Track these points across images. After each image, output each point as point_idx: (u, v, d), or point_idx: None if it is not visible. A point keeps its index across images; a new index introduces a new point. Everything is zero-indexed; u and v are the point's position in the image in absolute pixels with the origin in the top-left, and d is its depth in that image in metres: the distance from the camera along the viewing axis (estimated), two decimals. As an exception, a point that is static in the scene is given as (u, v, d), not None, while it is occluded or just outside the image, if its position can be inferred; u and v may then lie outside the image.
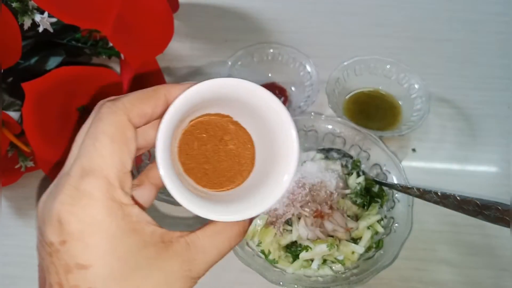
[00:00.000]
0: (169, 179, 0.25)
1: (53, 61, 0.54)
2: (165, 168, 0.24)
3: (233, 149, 0.30)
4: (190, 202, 0.25)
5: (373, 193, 0.52)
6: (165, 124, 0.25)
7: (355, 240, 0.49)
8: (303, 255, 0.47)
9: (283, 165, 0.28)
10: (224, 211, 0.26)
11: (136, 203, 0.25)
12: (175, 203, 0.25)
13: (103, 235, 0.23)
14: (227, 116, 0.30)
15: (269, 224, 0.49)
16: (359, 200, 0.51)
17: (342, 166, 0.54)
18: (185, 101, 0.26)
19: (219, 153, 0.30)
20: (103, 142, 0.23)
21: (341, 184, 0.51)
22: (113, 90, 0.52)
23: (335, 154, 0.55)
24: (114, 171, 0.23)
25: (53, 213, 0.23)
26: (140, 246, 0.23)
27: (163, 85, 0.26)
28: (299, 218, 0.49)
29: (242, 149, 0.30)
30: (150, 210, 0.29)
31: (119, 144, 0.24)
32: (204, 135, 0.30)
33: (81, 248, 0.23)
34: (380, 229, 0.49)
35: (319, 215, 0.49)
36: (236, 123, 0.30)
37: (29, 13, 0.49)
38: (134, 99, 0.25)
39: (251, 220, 0.28)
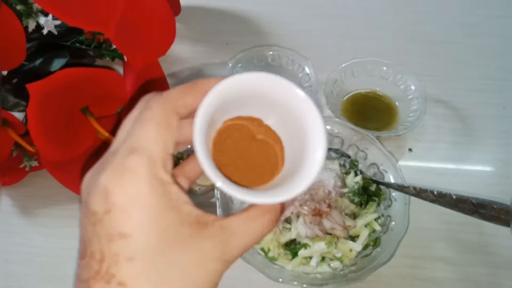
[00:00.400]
0: (206, 159, 0.26)
1: (58, 63, 0.55)
2: (201, 150, 0.26)
3: (263, 148, 0.31)
4: (227, 185, 0.26)
5: (370, 192, 0.53)
6: (202, 111, 0.27)
7: (353, 238, 0.50)
8: (302, 252, 0.48)
9: (313, 148, 0.29)
10: (262, 195, 0.28)
11: (176, 183, 0.26)
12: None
13: (144, 208, 0.24)
14: (258, 119, 0.32)
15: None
16: (356, 199, 0.52)
17: (340, 165, 0.54)
18: (218, 92, 0.27)
19: (250, 151, 0.31)
20: (150, 126, 0.26)
21: (339, 183, 0.52)
22: (116, 91, 0.53)
23: (333, 154, 0.56)
24: (158, 151, 0.25)
25: (99, 184, 0.24)
26: (178, 223, 0.25)
27: (203, 78, 0.28)
28: (298, 216, 0.49)
29: (272, 149, 0.32)
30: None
31: (164, 128, 0.26)
32: (237, 134, 0.31)
33: (124, 218, 0.24)
34: (377, 227, 0.50)
35: (317, 214, 0.49)
36: (266, 126, 0.32)
37: (34, 16, 0.49)
38: (178, 91, 0.27)
39: (282, 210, 0.29)
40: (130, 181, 0.24)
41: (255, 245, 0.28)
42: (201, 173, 0.30)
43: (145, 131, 0.26)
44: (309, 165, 0.29)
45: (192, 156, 0.30)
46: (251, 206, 0.28)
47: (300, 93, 0.29)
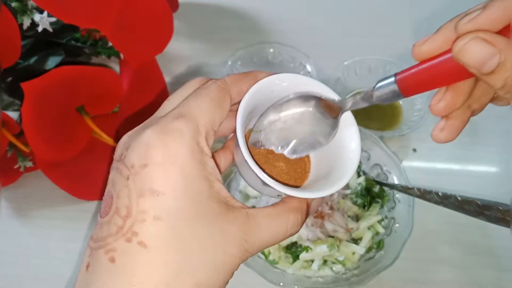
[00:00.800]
0: (246, 150, 0.27)
1: (53, 61, 0.54)
2: (242, 140, 0.27)
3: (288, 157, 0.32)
4: (266, 177, 0.27)
5: (373, 193, 0.52)
6: (245, 102, 0.28)
7: (355, 241, 0.49)
8: (303, 255, 0.47)
9: (345, 145, 0.30)
10: (301, 191, 0.28)
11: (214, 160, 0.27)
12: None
13: (182, 169, 0.24)
14: None
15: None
16: (359, 201, 0.51)
17: (342, 166, 0.53)
18: (258, 87, 0.29)
19: (274, 158, 0.31)
20: (204, 99, 0.27)
21: (341, 184, 0.51)
22: (113, 89, 0.52)
23: (335, 154, 0.55)
24: (205, 122, 0.26)
25: (142, 137, 0.25)
26: (208, 196, 0.25)
27: (255, 70, 0.30)
28: (300, 219, 0.48)
29: (297, 159, 0.32)
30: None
31: (217, 105, 0.27)
32: None
33: (160, 174, 0.24)
34: (380, 230, 0.49)
35: (319, 216, 0.49)
36: None
37: (29, 13, 0.49)
38: (234, 77, 0.29)
39: (308, 213, 0.29)
40: (174, 140, 0.24)
41: (277, 243, 0.28)
42: (230, 165, 0.32)
43: (199, 102, 0.26)
44: (342, 165, 0.29)
45: (224, 147, 0.31)
46: (278, 202, 0.28)
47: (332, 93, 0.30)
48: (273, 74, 0.29)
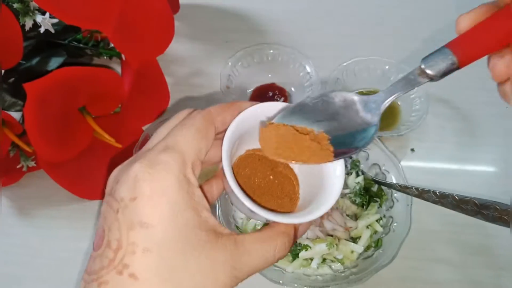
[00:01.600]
0: (232, 179, 0.28)
1: (55, 62, 0.54)
2: (228, 169, 0.28)
3: (280, 182, 0.33)
4: (255, 206, 0.27)
5: (372, 192, 0.52)
6: (230, 132, 0.29)
7: (354, 240, 0.49)
8: (303, 254, 0.48)
9: (329, 173, 0.30)
10: (286, 216, 0.28)
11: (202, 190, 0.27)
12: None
13: (169, 200, 0.25)
14: None
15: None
16: (358, 200, 0.51)
17: (341, 166, 0.54)
18: (247, 115, 0.30)
19: (268, 183, 0.32)
20: (189, 130, 0.28)
21: (340, 184, 0.51)
22: (114, 90, 0.52)
23: (334, 154, 0.55)
24: (191, 153, 0.27)
25: (130, 172, 0.25)
26: (196, 225, 0.25)
27: (239, 101, 0.31)
28: (299, 218, 0.49)
29: (288, 184, 0.33)
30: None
31: (202, 136, 0.28)
32: (256, 164, 0.33)
33: (149, 207, 0.24)
34: (379, 229, 0.50)
35: (318, 215, 0.49)
36: (283, 162, 0.32)
37: (31, 14, 0.49)
38: (218, 107, 0.30)
39: (296, 236, 0.29)
40: (161, 173, 0.25)
41: (267, 267, 0.28)
42: (222, 192, 0.32)
43: (184, 133, 0.27)
44: (326, 190, 0.30)
45: (216, 175, 0.32)
46: (265, 227, 0.28)
47: None
48: (256, 103, 0.30)
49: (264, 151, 0.29)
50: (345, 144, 0.29)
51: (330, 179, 0.30)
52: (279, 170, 0.33)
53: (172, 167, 0.25)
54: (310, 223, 0.30)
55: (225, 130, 0.29)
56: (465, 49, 0.26)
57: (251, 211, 0.28)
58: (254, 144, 0.32)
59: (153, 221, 0.24)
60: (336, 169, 0.30)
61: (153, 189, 0.25)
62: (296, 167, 0.33)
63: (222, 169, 0.28)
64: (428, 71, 0.27)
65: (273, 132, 0.29)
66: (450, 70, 0.27)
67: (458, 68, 0.26)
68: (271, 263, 0.28)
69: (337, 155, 0.29)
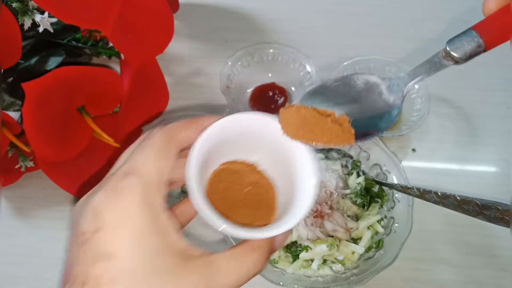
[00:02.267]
0: (199, 198, 0.27)
1: (53, 61, 0.54)
2: (196, 189, 0.27)
3: (257, 194, 0.32)
4: (216, 220, 0.27)
5: (373, 193, 0.52)
6: (196, 150, 0.28)
7: (355, 240, 0.49)
8: (303, 255, 0.47)
9: (302, 180, 0.29)
10: (252, 231, 0.28)
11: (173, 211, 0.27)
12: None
13: (132, 229, 0.24)
14: (252, 165, 0.33)
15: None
16: (359, 200, 0.51)
17: (342, 166, 0.54)
18: (213, 131, 0.29)
19: (244, 197, 0.31)
20: (148, 151, 0.27)
21: (341, 184, 0.51)
22: (113, 90, 0.52)
23: (335, 154, 0.55)
24: (154, 175, 0.26)
25: (91, 205, 0.25)
26: (161, 251, 0.25)
27: (205, 116, 0.30)
28: (299, 218, 0.48)
29: (265, 195, 0.32)
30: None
31: (162, 155, 0.27)
32: (231, 178, 0.32)
33: (111, 238, 0.24)
34: (380, 229, 0.49)
35: (319, 215, 0.49)
36: (259, 172, 0.32)
37: (29, 13, 0.49)
38: (179, 124, 0.29)
39: (272, 250, 0.29)
40: (122, 201, 0.25)
41: (244, 283, 0.27)
42: (195, 214, 0.31)
43: (144, 155, 0.26)
44: (301, 198, 0.29)
45: (187, 198, 0.30)
46: (239, 244, 0.28)
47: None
48: (220, 117, 0.29)
49: (285, 132, 0.29)
50: (366, 126, 0.29)
51: (305, 184, 0.29)
52: (256, 180, 0.32)
53: (134, 193, 0.25)
54: (288, 233, 0.29)
55: (190, 147, 0.28)
56: (492, 31, 0.25)
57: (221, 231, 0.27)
58: (228, 156, 0.32)
59: (117, 251, 0.24)
60: (312, 178, 0.29)
61: (114, 219, 0.24)
62: (275, 174, 0.33)
63: (188, 187, 0.27)
64: (454, 54, 0.27)
65: (294, 114, 0.29)
66: (476, 53, 0.26)
67: (484, 50, 0.26)
68: (247, 279, 0.27)
69: (358, 138, 0.28)
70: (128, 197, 0.25)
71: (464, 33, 0.27)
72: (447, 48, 0.27)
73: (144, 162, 0.26)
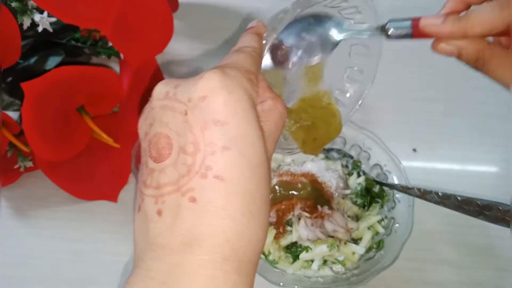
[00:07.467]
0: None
1: (53, 61, 0.54)
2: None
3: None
4: None
5: (373, 193, 0.52)
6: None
7: (355, 241, 0.49)
8: (303, 255, 0.47)
9: None
10: None
11: None
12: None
13: (240, 97, 0.24)
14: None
15: (270, 224, 0.49)
16: (359, 201, 0.51)
17: (342, 166, 0.53)
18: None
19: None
20: (246, 56, 0.29)
21: (341, 185, 0.51)
22: (113, 89, 0.52)
23: (335, 154, 0.55)
24: (253, 70, 0.27)
25: (194, 77, 0.25)
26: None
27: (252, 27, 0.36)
28: (299, 219, 0.48)
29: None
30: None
31: (256, 62, 0.29)
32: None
33: (221, 104, 0.23)
34: (380, 230, 0.49)
35: (319, 216, 0.49)
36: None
37: (29, 13, 0.48)
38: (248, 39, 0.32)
39: None
40: (229, 73, 0.25)
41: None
42: None
43: (241, 57, 0.28)
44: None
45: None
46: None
47: None
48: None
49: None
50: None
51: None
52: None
53: (240, 70, 0.26)
54: None
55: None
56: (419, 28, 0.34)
57: None
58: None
59: (227, 119, 0.23)
60: None
61: (223, 87, 0.24)
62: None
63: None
64: (391, 32, 0.35)
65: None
66: (402, 38, 0.35)
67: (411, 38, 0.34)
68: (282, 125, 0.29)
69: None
70: (233, 72, 0.25)
71: (403, 19, 0.35)
72: (387, 26, 0.35)
73: (241, 61, 0.27)
